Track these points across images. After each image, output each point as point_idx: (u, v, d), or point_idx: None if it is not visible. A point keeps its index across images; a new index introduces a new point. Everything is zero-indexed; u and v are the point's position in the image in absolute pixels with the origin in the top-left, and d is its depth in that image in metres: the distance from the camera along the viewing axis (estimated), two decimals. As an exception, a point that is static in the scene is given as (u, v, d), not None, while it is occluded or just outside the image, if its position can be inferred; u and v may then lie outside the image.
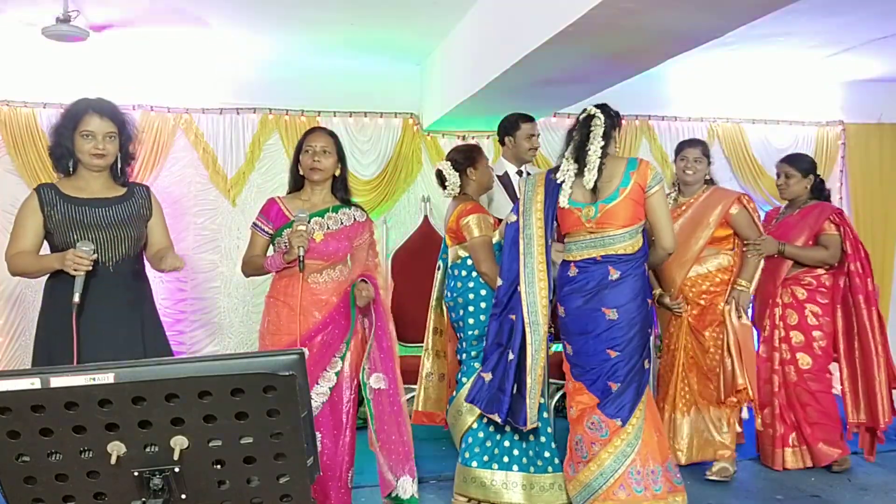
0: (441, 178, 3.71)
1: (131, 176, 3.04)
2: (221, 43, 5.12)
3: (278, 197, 3.20)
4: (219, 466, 1.32)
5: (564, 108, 5.35)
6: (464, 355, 3.67)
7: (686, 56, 3.88)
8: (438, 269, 3.86)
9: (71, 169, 2.87)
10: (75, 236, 2.77)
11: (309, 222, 3.01)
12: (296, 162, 3.16)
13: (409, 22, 4.72)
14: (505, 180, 4.08)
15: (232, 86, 5.44)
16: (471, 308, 3.62)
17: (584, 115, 3.24)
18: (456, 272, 3.69)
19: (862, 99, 6.33)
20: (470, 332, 3.63)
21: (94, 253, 2.70)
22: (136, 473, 1.28)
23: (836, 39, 5.14)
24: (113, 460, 1.25)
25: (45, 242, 2.89)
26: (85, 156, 2.81)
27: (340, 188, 3.18)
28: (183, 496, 1.31)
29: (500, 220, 3.67)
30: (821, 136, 6.32)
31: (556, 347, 4.52)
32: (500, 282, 3.27)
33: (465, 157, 3.72)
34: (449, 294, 3.72)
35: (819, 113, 6.32)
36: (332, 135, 3.16)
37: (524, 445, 3.51)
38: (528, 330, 3.12)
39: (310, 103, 5.53)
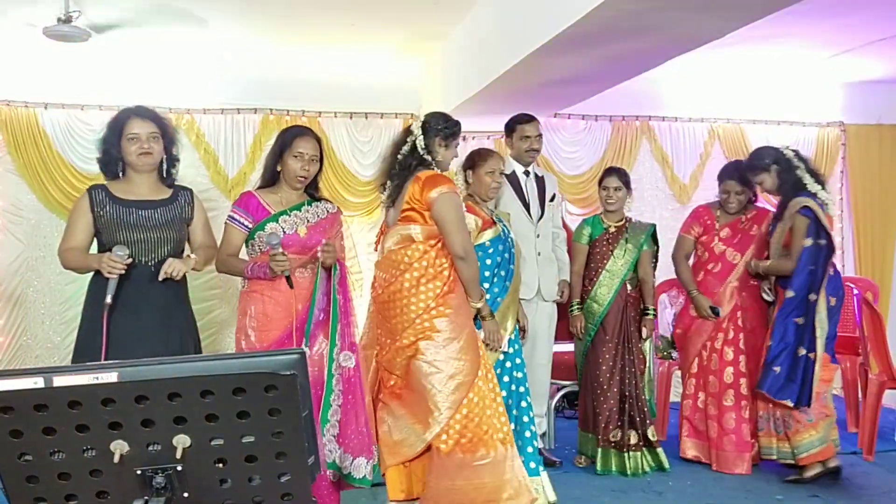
0: None
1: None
2: (223, 43, 5.13)
3: (254, 190, 3.21)
4: (221, 465, 1.32)
5: (565, 108, 5.37)
6: None
7: (686, 57, 3.89)
8: None
9: (120, 173, 3.07)
10: (121, 236, 2.96)
11: (278, 243, 2.98)
12: (276, 159, 3.15)
13: (409, 23, 4.73)
14: (512, 179, 4.09)
15: (233, 86, 5.45)
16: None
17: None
18: None
19: (862, 100, 6.33)
20: None
21: (128, 257, 2.88)
22: (138, 472, 1.29)
23: (836, 41, 5.15)
24: (116, 459, 1.26)
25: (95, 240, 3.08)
26: (133, 156, 3.00)
27: (312, 187, 3.25)
28: (185, 494, 1.31)
29: (494, 220, 3.62)
30: (821, 136, 6.33)
31: (563, 347, 4.54)
32: (791, 293, 3.78)
33: (468, 159, 3.69)
34: None
35: (819, 114, 6.33)
36: (318, 139, 3.22)
37: None
38: (818, 328, 3.77)
39: (310, 104, 5.54)
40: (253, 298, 3.08)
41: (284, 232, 3.06)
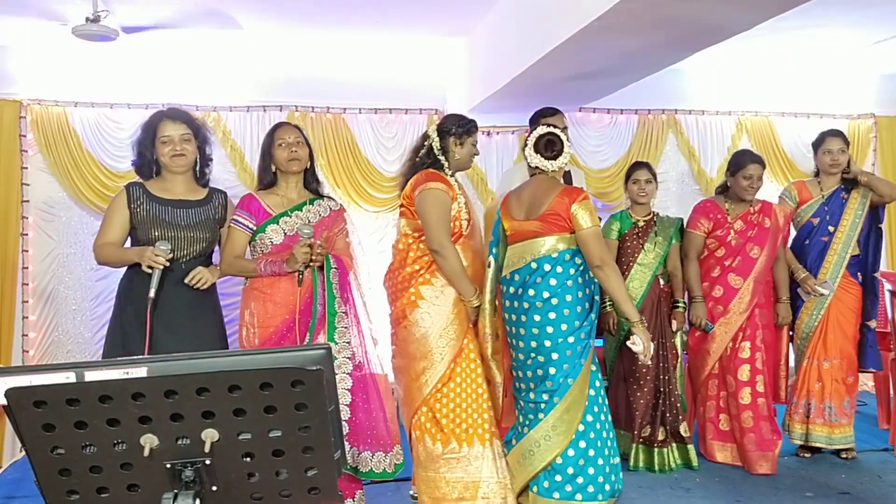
0: (552, 145, 3.22)
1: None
2: (248, 41, 5.17)
3: (254, 192, 3.24)
4: (248, 459, 1.33)
5: (590, 102, 5.33)
6: (521, 386, 3.21)
7: (714, 49, 3.84)
8: (489, 265, 3.34)
9: (154, 174, 3.14)
10: (155, 233, 3.03)
11: (311, 233, 3.05)
12: (266, 159, 3.20)
13: (433, 18, 4.72)
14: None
15: (259, 84, 5.48)
16: (551, 314, 3.12)
17: None
18: (548, 267, 3.16)
19: (894, 91, 6.22)
20: (535, 354, 3.14)
21: (170, 252, 2.94)
22: (168, 465, 1.30)
23: (866, 32, 5.07)
24: (146, 452, 1.27)
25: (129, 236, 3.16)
26: (166, 158, 3.07)
27: (312, 180, 3.28)
28: (214, 488, 1.33)
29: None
30: (852, 128, 6.22)
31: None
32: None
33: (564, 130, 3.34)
34: (517, 295, 3.20)
35: (850, 105, 6.23)
36: (299, 128, 3.28)
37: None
38: None
39: (335, 100, 5.56)
40: (254, 296, 3.13)
41: (286, 234, 3.11)
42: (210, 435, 1.28)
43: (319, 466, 1.36)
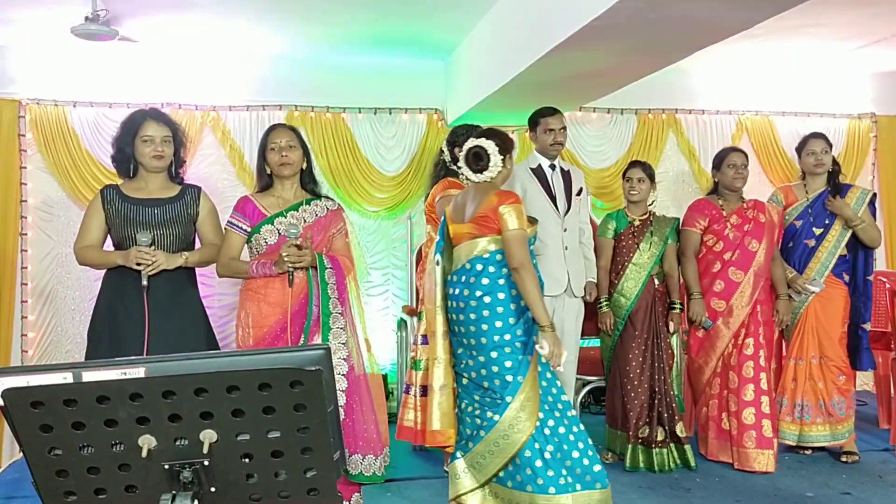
0: (479, 158, 3.24)
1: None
2: (248, 41, 5.16)
3: (251, 194, 3.26)
4: (247, 460, 1.33)
5: (590, 102, 5.33)
6: (464, 379, 3.25)
7: (713, 48, 3.84)
8: (438, 263, 3.32)
9: (132, 173, 3.21)
10: (129, 231, 3.11)
11: (297, 233, 3.04)
12: (262, 161, 3.22)
13: (433, 17, 4.71)
14: (538, 173, 4.07)
15: (258, 83, 5.48)
16: (485, 312, 3.16)
17: None
18: (479, 267, 3.21)
19: (894, 91, 6.22)
20: (476, 352, 3.18)
21: (152, 242, 3.05)
22: (166, 466, 1.30)
23: (866, 31, 5.06)
24: (144, 453, 1.27)
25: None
26: (146, 158, 3.14)
27: (309, 180, 3.28)
28: (212, 489, 1.32)
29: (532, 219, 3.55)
30: (852, 128, 6.22)
31: (587, 343, 4.51)
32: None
33: (507, 143, 3.32)
34: (456, 295, 3.25)
35: (850, 105, 6.22)
36: (294, 129, 3.28)
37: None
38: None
39: (334, 100, 5.55)
40: (249, 297, 3.13)
41: (280, 234, 3.10)
42: (208, 436, 1.28)
43: (318, 467, 1.35)
